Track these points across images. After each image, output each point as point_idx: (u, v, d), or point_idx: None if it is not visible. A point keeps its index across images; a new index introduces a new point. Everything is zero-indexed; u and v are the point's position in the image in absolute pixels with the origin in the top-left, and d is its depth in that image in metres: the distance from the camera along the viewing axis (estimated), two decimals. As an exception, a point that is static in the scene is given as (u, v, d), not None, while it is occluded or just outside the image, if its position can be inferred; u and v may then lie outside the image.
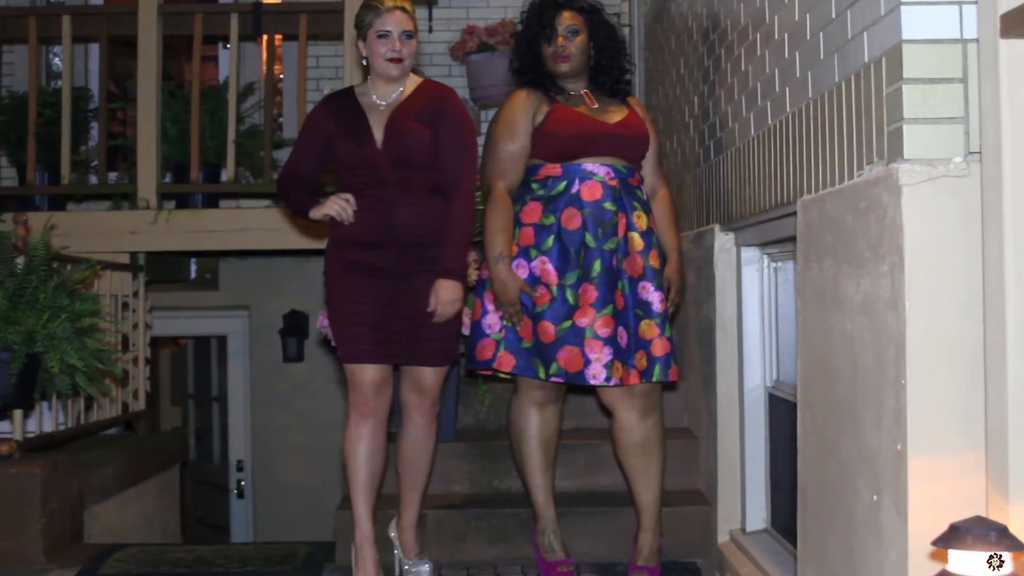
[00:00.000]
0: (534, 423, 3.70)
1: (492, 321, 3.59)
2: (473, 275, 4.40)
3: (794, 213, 2.89)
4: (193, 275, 7.51)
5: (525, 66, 3.69)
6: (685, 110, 4.60)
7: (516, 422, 3.73)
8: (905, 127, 2.17)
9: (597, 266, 3.48)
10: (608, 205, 3.53)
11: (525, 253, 3.53)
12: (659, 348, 3.52)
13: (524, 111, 3.58)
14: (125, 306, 5.70)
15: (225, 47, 7.14)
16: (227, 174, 6.00)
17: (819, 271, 2.67)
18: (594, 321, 3.43)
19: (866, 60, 2.36)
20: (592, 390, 3.68)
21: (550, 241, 3.51)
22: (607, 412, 3.69)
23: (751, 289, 3.79)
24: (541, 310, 3.48)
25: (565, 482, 4.18)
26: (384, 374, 3.56)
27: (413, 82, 3.64)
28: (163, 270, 6.85)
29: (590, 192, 3.53)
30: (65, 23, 5.90)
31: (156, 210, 5.79)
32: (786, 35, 2.98)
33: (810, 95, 2.77)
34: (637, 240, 3.56)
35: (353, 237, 3.53)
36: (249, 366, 7.76)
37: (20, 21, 6.08)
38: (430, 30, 7.07)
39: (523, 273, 3.51)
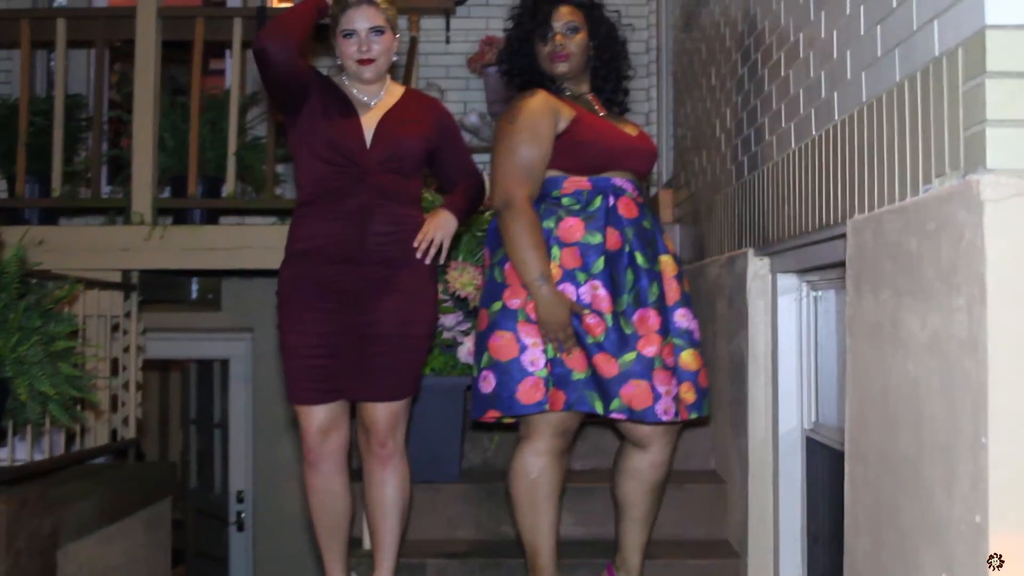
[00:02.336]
0: (553, 475, 3.17)
1: (534, 357, 3.06)
2: (473, 293, 4.03)
3: (842, 236, 2.52)
4: (194, 295, 7.19)
5: (517, 67, 3.32)
6: (716, 124, 4.24)
7: (529, 473, 3.17)
8: (988, 131, 1.79)
9: (655, 289, 3.12)
10: (646, 224, 3.18)
11: (571, 277, 3.07)
12: (704, 379, 3.21)
13: (548, 114, 3.15)
14: (116, 327, 5.39)
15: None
16: (227, 189, 5.67)
17: (874, 303, 2.28)
18: (661, 349, 3.06)
19: (936, 53, 1.98)
20: (609, 424, 3.30)
21: (601, 263, 3.09)
22: (621, 439, 3.34)
23: (788, 320, 3.43)
24: (596, 341, 3.04)
25: (580, 529, 3.83)
26: (334, 415, 3.22)
27: (397, 86, 3.32)
28: (162, 290, 6.55)
29: (627, 209, 3.16)
30: (59, 26, 5.59)
31: (150, 226, 5.45)
32: (834, 32, 2.61)
33: (863, 99, 2.40)
34: (670, 264, 3.22)
35: (318, 250, 3.16)
36: (252, 392, 7.42)
37: (14, 24, 5.75)
38: (447, 41, 6.77)
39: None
